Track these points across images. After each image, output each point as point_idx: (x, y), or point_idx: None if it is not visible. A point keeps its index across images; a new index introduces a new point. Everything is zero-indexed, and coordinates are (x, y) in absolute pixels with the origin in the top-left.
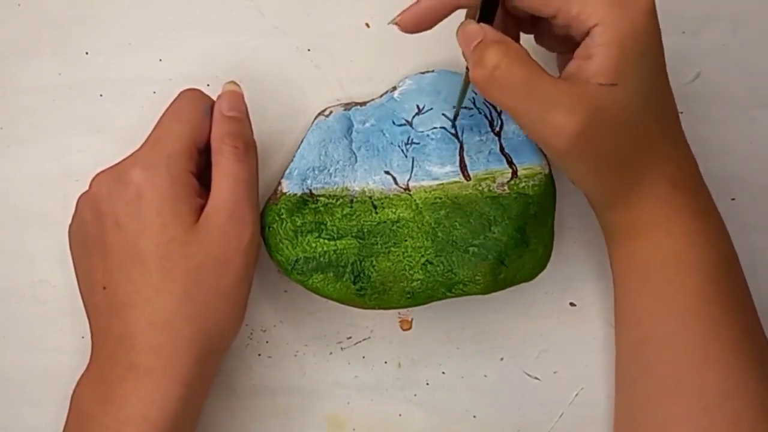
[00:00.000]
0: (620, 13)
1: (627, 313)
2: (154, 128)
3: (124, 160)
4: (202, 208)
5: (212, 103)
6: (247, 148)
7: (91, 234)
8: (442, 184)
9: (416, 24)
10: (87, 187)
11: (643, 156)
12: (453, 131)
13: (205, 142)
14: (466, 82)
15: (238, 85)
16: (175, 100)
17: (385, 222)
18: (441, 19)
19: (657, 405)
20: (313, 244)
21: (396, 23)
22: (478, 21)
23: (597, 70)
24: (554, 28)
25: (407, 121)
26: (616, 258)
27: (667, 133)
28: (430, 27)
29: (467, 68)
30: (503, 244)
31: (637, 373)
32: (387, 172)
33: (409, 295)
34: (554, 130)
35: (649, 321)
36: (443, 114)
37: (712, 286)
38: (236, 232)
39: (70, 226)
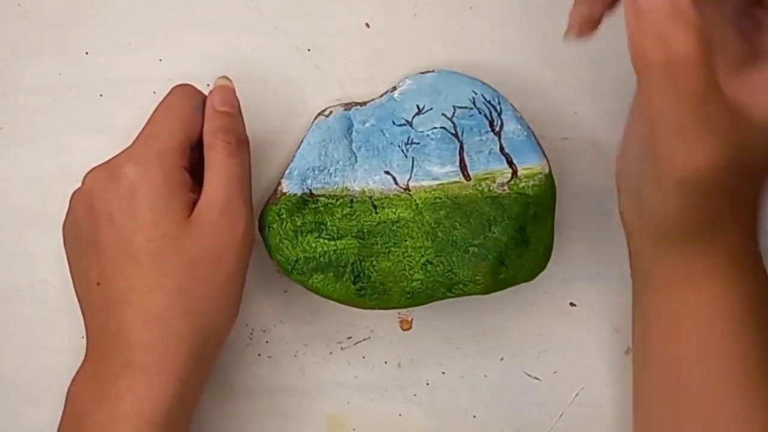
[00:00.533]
0: None
1: (657, 359)
2: (147, 124)
3: (116, 156)
4: (195, 203)
5: (204, 99)
6: (240, 143)
7: (85, 230)
8: (442, 184)
9: (589, 26)
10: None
11: (724, 216)
12: (453, 131)
13: (197, 137)
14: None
15: (229, 79)
16: (167, 95)
17: (385, 222)
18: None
19: None
20: (313, 244)
21: (569, 34)
22: None
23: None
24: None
25: (407, 121)
26: (647, 302)
27: (752, 199)
28: (600, 20)
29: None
30: (503, 244)
31: (662, 425)
32: (387, 172)
33: (409, 295)
34: (703, 158)
35: (681, 372)
36: (443, 114)
37: (757, 355)
38: (229, 227)
39: (64, 223)
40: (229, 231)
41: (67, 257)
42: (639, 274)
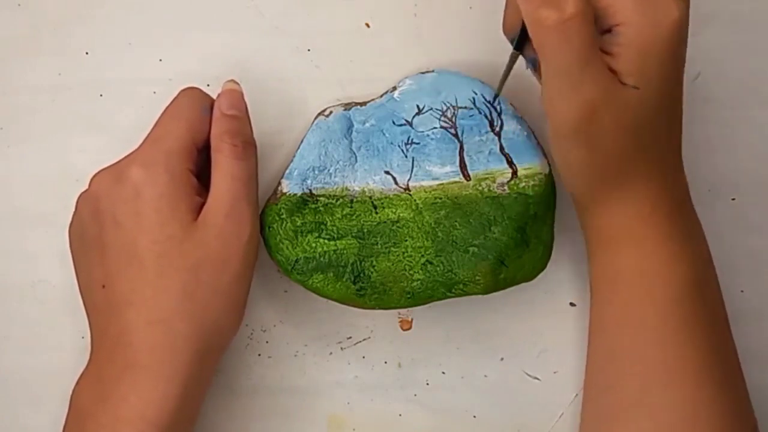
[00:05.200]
0: (648, 18)
1: (598, 321)
2: (154, 127)
3: (123, 158)
4: (201, 206)
5: (212, 102)
6: (247, 146)
7: (90, 233)
8: (442, 184)
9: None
10: (87, 187)
11: (633, 166)
12: (453, 131)
13: (204, 140)
14: (522, 39)
15: (237, 83)
16: (174, 98)
17: (385, 222)
18: None
19: (621, 422)
20: (313, 244)
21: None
22: None
23: (620, 68)
24: None
25: (407, 121)
26: (591, 264)
27: (663, 151)
28: None
29: (522, 37)
30: (503, 244)
31: (604, 384)
32: (387, 172)
33: (409, 295)
34: (579, 103)
35: (618, 333)
36: (442, 114)
37: (680, 307)
38: (235, 230)
39: (70, 225)
40: (235, 234)
41: (73, 259)
42: (585, 238)
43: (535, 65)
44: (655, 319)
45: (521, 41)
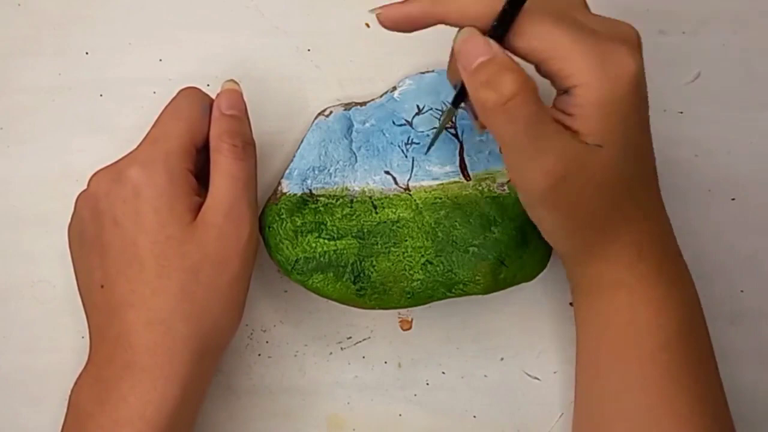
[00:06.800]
0: (603, 77)
1: (585, 364)
2: (153, 126)
3: (122, 158)
4: (200, 206)
5: (211, 102)
6: (246, 146)
7: (90, 233)
8: (442, 184)
9: (395, 24)
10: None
11: (614, 220)
12: (453, 131)
13: (203, 140)
14: (455, 106)
15: (237, 83)
16: (174, 98)
17: (385, 222)
18: (420, 29)
19: None
20: (313, 244)
21: (377, 15)
22: (489, 35)
23: (580, 128)
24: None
25: (407, 121)
26: (578, 307)
27: (642, 200)
28: (408, 31)
29: (459, 95)
30: (503, 244)
31: (592, 427)
32: (387, 172)
33: (409, 295)
34: (541, 174)
35: (605, 377)
36: (440, 112)
37: (667, 354)
38: (234, 230)
39: (70, 225)
40: (234, 234)
41: (72, 259)
42: (570, 284)
43: (475, 114)
44: (642, 365)
45: (458, 98)
